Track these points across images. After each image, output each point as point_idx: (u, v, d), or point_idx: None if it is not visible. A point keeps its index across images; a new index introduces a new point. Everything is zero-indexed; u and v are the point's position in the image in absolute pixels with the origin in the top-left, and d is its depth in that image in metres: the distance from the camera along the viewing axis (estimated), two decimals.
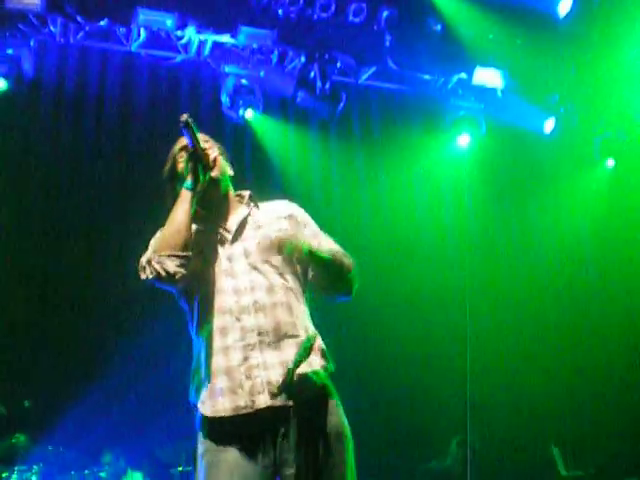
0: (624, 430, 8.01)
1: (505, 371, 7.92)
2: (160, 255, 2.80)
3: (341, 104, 7.89)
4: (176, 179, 3.03)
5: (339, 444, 2.80)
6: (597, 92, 8.49)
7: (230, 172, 3.10)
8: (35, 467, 6.21)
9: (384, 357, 7.89)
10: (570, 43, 8.15)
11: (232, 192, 3.12)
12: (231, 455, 2.73)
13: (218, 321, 2.85)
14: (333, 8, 7.55)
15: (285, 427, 2.75)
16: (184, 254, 2.80)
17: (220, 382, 2.80)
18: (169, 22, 7.29)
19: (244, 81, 7.72)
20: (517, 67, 8.30)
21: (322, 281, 3.01)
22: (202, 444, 2.82)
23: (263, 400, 2.76)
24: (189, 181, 2.89)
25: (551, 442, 7.71)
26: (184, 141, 2.95)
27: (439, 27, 7.92)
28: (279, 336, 2.82)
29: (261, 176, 8.13)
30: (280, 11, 7.52)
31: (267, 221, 3.03)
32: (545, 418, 8.08)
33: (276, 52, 7.82)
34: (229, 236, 2.98)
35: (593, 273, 8.69)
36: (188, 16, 7.41)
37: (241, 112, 7.78)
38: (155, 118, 7.78)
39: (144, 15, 7.21)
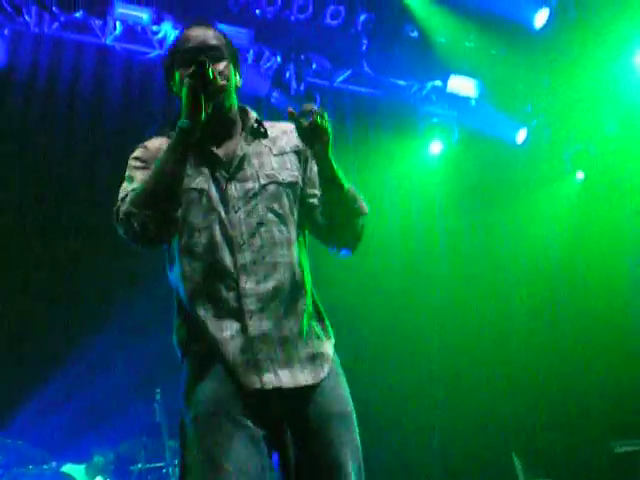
0: (585, 439, 8.06)
1: (467, 379, 7.95)
2: (142, 214, 2.22)
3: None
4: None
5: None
6: (570, 105, 8.57)
7: (239, 83, 2.54)
8: None
9: (354, 362, 7.84)
10: (545, 55, 8.23)
11: (236, 108, 2.52)
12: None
13: (207, 282, 2.35)
14: (310, 10, 7.59)
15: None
16: (171, 216, 2.25)
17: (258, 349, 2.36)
18: (145, 16, 7.30)
19: None
20: (491, 76, 8.38)
21: (329, 227, 2.53)
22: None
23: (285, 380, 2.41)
24: (187, 118, 2.26)
25: (512, 450, 7.73)
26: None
27: (415, 33, 7.97)
28: (282, 302, 2.39)
29: None
30: (257, 11, 7.54)
31: (275, 156, 2.49)
32: (506, 426, 8.11)
33: (252, 52, 7.81)
34: (225, 173, 2.42)
35: (562, 283, 8.75)
36: (165, 12, 7.41)
37: None
38: (128, 112, 7.73)
39: (120, 8, 7.22)
